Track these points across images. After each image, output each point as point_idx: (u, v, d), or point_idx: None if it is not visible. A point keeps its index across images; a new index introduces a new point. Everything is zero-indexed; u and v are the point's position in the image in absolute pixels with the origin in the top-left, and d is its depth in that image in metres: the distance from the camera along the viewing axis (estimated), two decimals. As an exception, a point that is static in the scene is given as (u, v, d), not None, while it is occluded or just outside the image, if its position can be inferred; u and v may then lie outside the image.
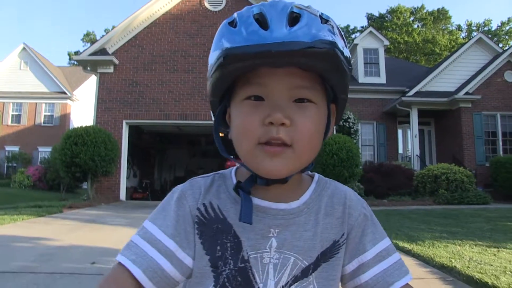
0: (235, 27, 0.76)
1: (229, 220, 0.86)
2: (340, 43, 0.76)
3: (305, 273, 0.86)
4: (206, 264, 0.84)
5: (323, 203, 0.91)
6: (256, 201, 0.86)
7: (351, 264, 0.90)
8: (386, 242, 0.91)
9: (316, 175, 0.97)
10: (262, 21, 0.74)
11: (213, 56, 0.79)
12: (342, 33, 0.81)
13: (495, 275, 4.00)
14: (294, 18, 0.74)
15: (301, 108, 0.78)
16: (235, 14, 0.80)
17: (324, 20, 0.77)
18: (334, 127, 0.93)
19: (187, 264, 0.84)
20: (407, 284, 0.88)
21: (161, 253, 0.82)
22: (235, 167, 0.95)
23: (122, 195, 14.73)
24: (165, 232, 0.84)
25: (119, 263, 0.82)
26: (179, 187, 0.91)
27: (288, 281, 0.84)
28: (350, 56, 0.81)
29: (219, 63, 0.76)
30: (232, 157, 0.89)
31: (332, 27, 0.77)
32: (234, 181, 0.91)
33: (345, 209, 0.91)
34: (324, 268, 0.87)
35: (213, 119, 0.90)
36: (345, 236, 0.90)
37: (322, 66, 0.75)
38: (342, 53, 0.75)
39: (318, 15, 0.77)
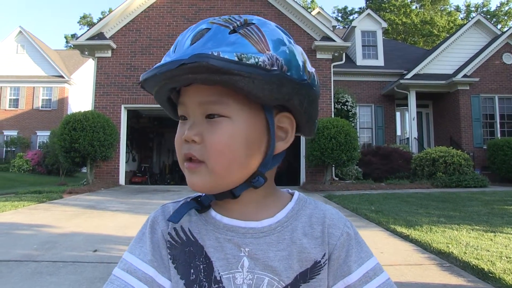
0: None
1: (200, 241, 0.84)
2: (249, 50, 0.72)
3: None
4: None
5: (300, 222, 0.87)
6: (225, 220, 0.85)
7: (336, 286, 0.85)
8: (372, 261, 0.86)
9: (296, 194, 0.92)
10: (176, 45, 0.77)
11: None
12: (269, 36, 0.77)
13: (491, 261, 4.07)
14: (199, 36, 0.74)
15: (211, 124, 0.77)
16: None
17: (240, 28, 0.75)
18: (293, 135, 0.85)
19: None
20: None
21: (142, 281, 0.81)
22: None
23: (122, 179, 14.76)
24: (143, 259, 0.83)
25: None
26: (151, 214, 0.91)
27: None
28: (275, 59, 0.74)
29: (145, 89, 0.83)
30: None
31: (246, 35, 0.74)
32: (205, 201, 0.88)
33: (325, 229, 0.87)
34: None
35: None
36: (326, 257, 0.85)
37: (209, 79, 0.71)
38: (233, 61, 0.70)
39: (234, 25, 0.75)
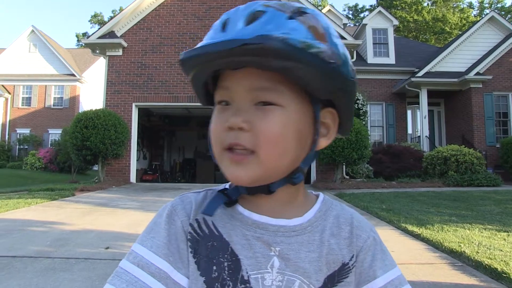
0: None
1: (226, 237, 0.78)
2: (310, 41, 0.68)
3: None
4: (202, 286, 0.76)
5: (329, 223, 0.84)
6: (254, 216, 0.79)
7: None
8: (397, 271, 0.83)
9: (321, 195, 0.89)
10: (225, 23, 0.72)
11: None
12: (329, 29, 0.74)
13: (504, 261, 4.04)
14: (253, 17, 0.69)
15: (262, 111, 0.72)
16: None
17: (296, 15, 0.71)
18: (334, 135, 0.83)
19: (184, 287, 0.76)
20: None
21: (155, 277, 0.74)
22: (229, 182, 0.86)
23: (133, 177, 14.83)
24: (156, 253, 0.76)
25: None
26: (168, 203, 0.84)
27: None
28: (341, 52, 0.73)
29: (183, 70, 0.76)
30: None
31: (301, 21, 0.70)
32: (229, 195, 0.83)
33: (353, 230, 0.84)
34: None
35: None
36: (354, 259, 0.82)
37: (274, 64, 0.67)
38: (302, 50, 0.67)
39: (290, 11, 0.71)
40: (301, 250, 0.78)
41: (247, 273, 0.76)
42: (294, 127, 0.74)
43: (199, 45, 0.70)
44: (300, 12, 0.71)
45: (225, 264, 0.76)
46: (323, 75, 0.70)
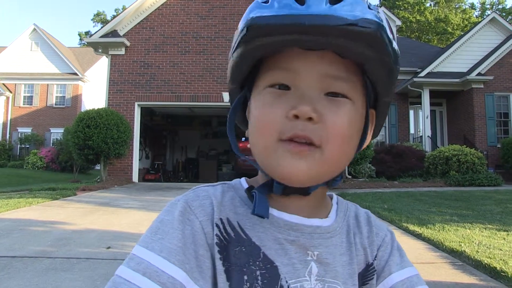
0: (266, 3, 0.62)
1: (255, 240, 0.68)
2: (387, 28, 0.62)
3: None
4: None
5: (351, 223, 0.79)
6: (285, 216, 0.70)
7: (378, 287, 0.77)
8: (414, 270, 0.78)
9: (335, 196, 0.83)
10: None
11: (236, 33, 0.66)
12: (394, 28, 0.66)
13: (503, 260, 4.05)
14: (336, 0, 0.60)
15: (333, 103, 0.64)
16: None
17: (371, 6, 0.63)
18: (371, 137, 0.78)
19: None
20: None
21: None
22: (243, 178, 0.79)
23: (135, 176, 14.87)
24: (168, 258, 0.61)
25: None
26: (180, 198, 0.71)
27: None
28: (399, 52, 0.67)
29: (242, 36, 0.63)
30: (247, 157, 0.76)
31: (380, 14, 0.62)
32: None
33: (372, 228, 0.80)
34: None
35: (229, 113, 0.76)
36: (377, 258, 0.78)
37: (364, 52, 0.61)
38: (391, 42, 0.62)
39: (365, 1, 0.63)
40: (336, 253, 0.72)
41: (286, 282, 0.66)
42: (358, 124, 0.68)
43: (281, 12, 0.59)
44: (369, 4, 0.65)
45: (258, 272, 0.65)
46: (391, 74, 0.67)
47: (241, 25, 0.64)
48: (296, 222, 0.70)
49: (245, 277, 0.64)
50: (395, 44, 0.64)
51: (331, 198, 0.82)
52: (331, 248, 0.71)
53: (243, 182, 0.77)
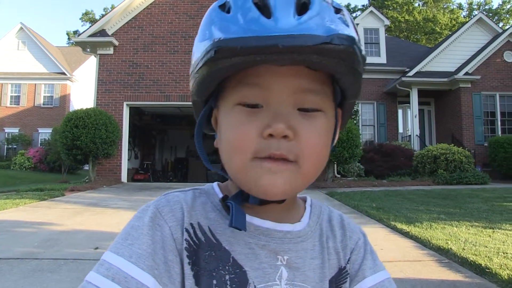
0: (228, 12, 0.61)
1: (226, 245, 0.68)
2: (357, 38, 0.61)
3: None
4: None
5: (324, 226, 0.79)
6: (256, 221, 0.70)
7: None
8: (386, 273, 0.78)
9: (308, 198, 0.82)
10: (262, 6, 0.59)
11: (200, 48, 0.64)
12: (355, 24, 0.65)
13: (488, 257, 4.10)
14: (302, 5, 0.59)
15: (307, 118, 0.64)
16: None
17: (337, 9, 0.62)
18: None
19: None
20: None
21: None
22: (216, 183, 0.79)
23: (124, 176, 14.80)
24: (137, 264, 0.61)
25: None
26: (151, 204, 0.71)
27: None
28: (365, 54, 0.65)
29: (209, 58, 0.60)
30: (219, 170, 0.74)
31: (345, 17, 0.62)
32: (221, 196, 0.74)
33: (345, 232, 0.80)
34: None
35: (196, 128, 0.75)
36: (350, 262, 0.78)
37: (336, 66, 0.60)
38: (361, 50, 0.61)
39: (330, 2, 0.63)
40: (307, 257, 0.72)
41: (255, 287, 0.67)
42: (330, 134, 0.69)
43: (241, 33, 0.57)
44: (334, 4, 0.63)
45: (227, 277, 0.66)
46: (360, 78, 0.66)
47: (206, 43, 0.61)
48: (267, 227, 0.70)
49: (214, 282, 0.65)
50: (363, 48, 0.63)
51: (305, 201, 0.81)
52: (301, 252, 0.71)
53: (216, 187, 0.77)
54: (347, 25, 0.61)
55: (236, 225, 0.64)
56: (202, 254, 0.66)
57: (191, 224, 0.68)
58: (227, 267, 0.66)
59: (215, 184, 0.78)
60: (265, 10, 0.58)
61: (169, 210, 0.69)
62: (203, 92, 0.68)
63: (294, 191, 0.66)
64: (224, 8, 0.63)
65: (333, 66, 0.60)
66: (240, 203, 0.68)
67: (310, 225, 0.76)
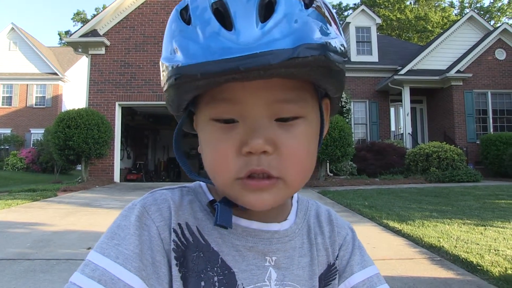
0: (188, 22, 0.58)
1: (214, 246, 0.66)
2: (332, 34, 0.58)
3: None
4: None
5: (312, 222, 0.77)
6: (243, 222, 0.69)
7: (339, 287, 0.76)
8: (375, 269, 0.77)
9: (295, 194, 0.78)
10: (223, 12, 0.55)
11: (163, 68, 0.61)
12: (333, 10, 0.62)
13: (480, 254, 4.13)
14: (266, 7, 0.55)
15: (286, 128, 0.60)
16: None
17: (307, 3, 0.57)
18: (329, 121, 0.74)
19: None
20: None
21: None
22: (202, 179, 0.75)
23: (116, 177, 14.76)
24: (124, 265, 0.59)
25: None
26: (137, 202, 0.68)
27: None
28: (345, 43, 0.61)
29: (171, 83, 0.58)
30: (205, 179, 0.72)
31: (320, 8, 0.58)
32: (210, 197, 0.72)
33: (334, 227, 0.79)
34: None
35: (174, 137, 0.73)
36: (338, 258, 0.77)
37: (310, 73, 0.56)
38: (336, 51, 0.57)
39: None
40: (295, 256, 0.71)
41: None
42: (315, 137, 0.65)
43: (200, 57, 0.53)
44: None
45: (215, 278, 0.64)
46: (342, 76, 0.62)
47: (167, 66, 0.58)
48: (254, 228, 0.69)
49: (203, 283, 0.63)
50: (339, 41, 0.58)
51: (291, 197, 0.78)
52: (289, 251, 0.70)
53: (204, 186, 0.75)
54: (321, 21, 0.57)
55: (221, 223, 0.63)
56: (190, 255, 0.64)
57: (179, 224, 0.66)
58: (215, 268, 0.64)
59: (203, 182, 0.75)
60: (226, 18, 0.55)
61: (156, 209, 0.66)
62: (176, 109, 0.66)
63: (282, 201, 0.65)
64: (185, 15, 0.59)
65: (306, 74, 0.56)
66: (230, 205, 0.66)
67: (297, 223, 0.74)
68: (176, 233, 0.65)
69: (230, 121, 0.60)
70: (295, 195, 0.79)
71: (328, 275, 0.75)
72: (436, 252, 4.45)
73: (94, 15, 16.87)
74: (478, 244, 4.61)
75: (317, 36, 0.54)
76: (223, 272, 0.64)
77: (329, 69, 0.57)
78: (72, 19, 60.24)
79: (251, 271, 0.66)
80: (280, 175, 0.59)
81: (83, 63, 30.82)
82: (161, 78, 0.63)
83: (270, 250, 0.68)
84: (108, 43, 15.20)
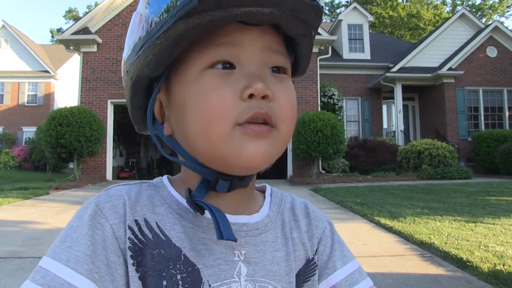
0: None
1: (175, 242, 0.62)
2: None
3: None
4: None
5: (286, 216, 0.74)
6: (208, 213, 0.63)
7: (320, 285, 0.73)
8: (356, 263, 0.75)
9: (268, 187, 0.78)
10: None
11: (162, 3, 0.57)
12: None
13: (470, 250, 4.16)
14: None
15: (279, 80, 0.62)
16: None
17: None
18: None
19: None
20: None
21: None
22: (165, 176, 0.74)
23: (109, 174, 14.72)
24: (75, 268, 0.56)
25: None
26: (91, 201, 0.64)
27: None
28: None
29: (188, 10, 0.53)
30: (183, 160, 0.67)
31: None
32: (172, 191, 0.68)
33: (311, 221, 0.76)
34: None
35: (148, 113, 0.69)
36: (318, 253, 0.74)
37: (302, 27, 0.60)
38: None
39: None
40: (267, 250, 0.67)
41: (209, 286, 0.61)
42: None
43: None
44: None
45: (178, 277, 0.60)
46: (312, 43, 0.66)
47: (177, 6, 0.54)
48: None
49: (164, 283, 0.59)
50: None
51: (264, 191, 0.77)
52: (260, 246, 0.67)
53: (165, 180, 0.71)
54: None
55: (229, 236, 0.58)
56: (150, 253, 0.60)
57: (136, 221, 0.62)
58: (178, 266, 0.60)
59: (165, 177, 0.72)
60: None
61: (110, 206, 0.62)
62: (163, 61, 0.60)
63: (273, 159, 0.62)
64: None
65: (300, 29, 0.60)
66: (203, 195, 0.63)
67: (270, 216, 0.71)
68: (132, 230, 0.61)
69: (227, 65, 0.59)
70: (269, 188, 0.77)
71: (307, 271, 0.72)
72: (427, 249, 4.48)
73: (86, 13, 16.78)
74: (468, 240, 4.65)
75: None
76: (187, 270, 0.61)
77: (316, 29, 0.62)
78: (64, 16, 59.79)
79: (219, 266, 0.62)
80: (277, 123, 0.59)
81: (75, 61, 30.62)
82: (148, 29, 0.60)
83: (238, 243, 0.64)
84: (100, 40, 15.13)
